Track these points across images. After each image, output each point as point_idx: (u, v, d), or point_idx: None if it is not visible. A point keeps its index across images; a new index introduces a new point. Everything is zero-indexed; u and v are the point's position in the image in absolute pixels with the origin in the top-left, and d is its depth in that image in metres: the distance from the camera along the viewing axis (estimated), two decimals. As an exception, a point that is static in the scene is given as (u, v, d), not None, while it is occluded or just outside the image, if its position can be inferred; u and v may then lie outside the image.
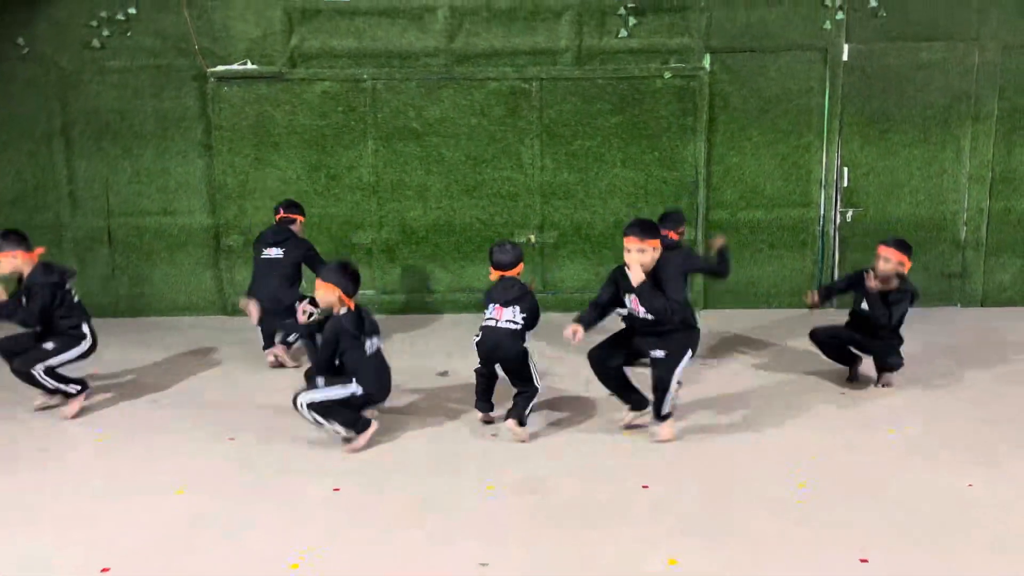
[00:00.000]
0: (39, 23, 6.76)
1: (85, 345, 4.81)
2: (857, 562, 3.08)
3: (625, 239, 4.16)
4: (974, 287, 7.22)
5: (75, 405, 4.76)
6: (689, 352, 4.24)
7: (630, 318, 4.31)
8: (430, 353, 5.97)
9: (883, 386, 5.06)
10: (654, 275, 4.15)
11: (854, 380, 5.18)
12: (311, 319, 4.50)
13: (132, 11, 6.75)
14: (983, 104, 6.95)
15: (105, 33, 6.78)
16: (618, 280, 4.31)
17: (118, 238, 7.09)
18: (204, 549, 3.23)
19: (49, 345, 4.70)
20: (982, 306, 7.21)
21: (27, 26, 6.76)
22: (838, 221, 7.14)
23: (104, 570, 3.08)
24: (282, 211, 5.79)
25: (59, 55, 6.81)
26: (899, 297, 4.91)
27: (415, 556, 3.17)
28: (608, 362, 4.36)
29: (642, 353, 4.33)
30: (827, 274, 7.18)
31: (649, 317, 4.16)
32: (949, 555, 3.13)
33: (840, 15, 6.84)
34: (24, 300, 4.61)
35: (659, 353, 4.19)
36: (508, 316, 4.40)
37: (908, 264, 4.99)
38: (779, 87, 6.99)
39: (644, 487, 3.73)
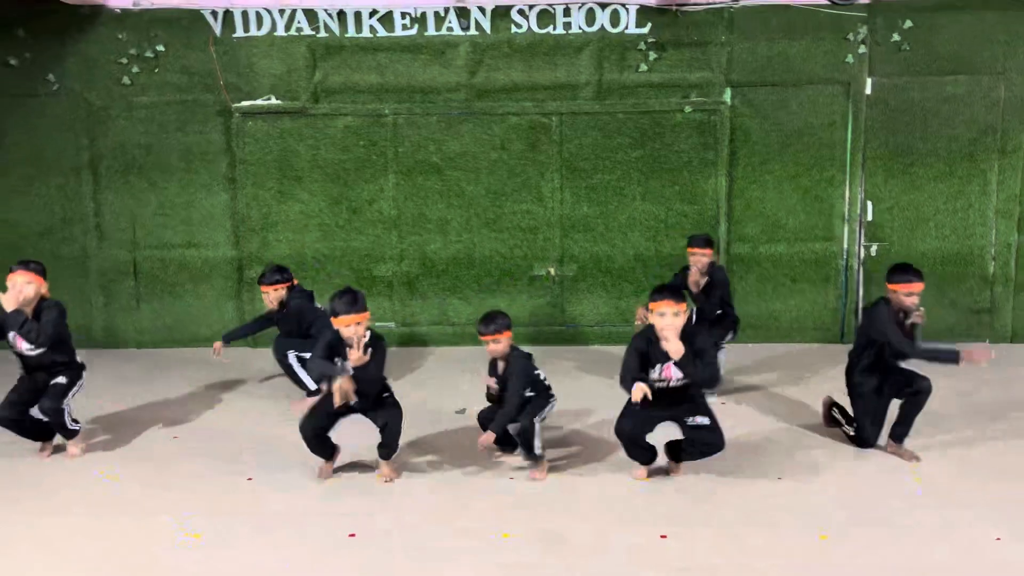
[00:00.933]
0: (70, 60, 6.92)
1: (84, 375, 4.82)
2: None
3: (660, 303, 3.98)
4: (1003, 323, 7.09)
5: (79, 444, 4.76)
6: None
7: (659, 388, 4.09)
8: (448, 388, 5.96)
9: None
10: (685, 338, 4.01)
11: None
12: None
13: (160, 48, 6.89)
14: (1010, 138, 6.86)
15: (134, 70, 6.92)
16: (646, 349, 4.08)
17: (143, 270, 7.19)
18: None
19: (63, 380, 4.67)
20: (1012, 342, 7.07)
21: (58, 63, 6.92)
22: (862, 255, 7.06)
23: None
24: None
25: (89, 91, 6.96)
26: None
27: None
28: (642, 439, 4.21)
29: (676, 420, 4.20)
30: (850, 309, 7.09)
31: (682, 382, 4.05)
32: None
33: (863, 49, 6.81)
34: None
35: (704, 420, 4.12)
36: None
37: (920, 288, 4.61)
38: (801, 121, 6.95)
39: (662, 536, 3.68)
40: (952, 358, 4.36)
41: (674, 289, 4.11)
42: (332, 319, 4.14)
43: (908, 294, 4.53)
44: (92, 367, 6.49)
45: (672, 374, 4.05)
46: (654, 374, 4.07)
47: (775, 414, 5.35)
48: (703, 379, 4.05)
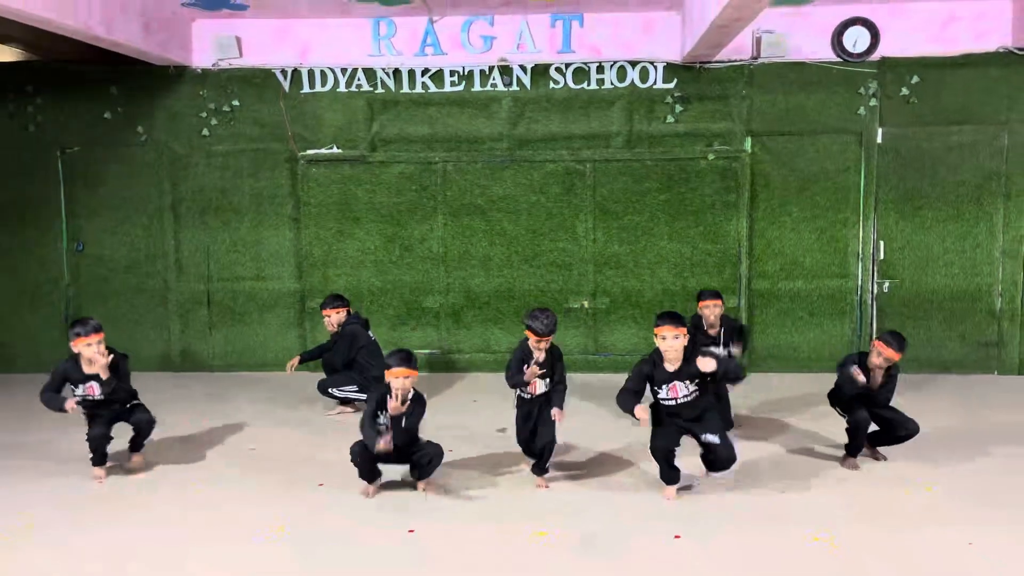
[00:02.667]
0: (157, 114, 7.79)
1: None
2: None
3: (663, 328, 4.50)
4: (1011, 356, 7.53)
5: (143, 456, 5.37)
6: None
7: (668, 406, 4.63)
8: (489, 410, 6.58)
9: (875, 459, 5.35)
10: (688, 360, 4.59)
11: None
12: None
13: (236, 103, 7.73)
14: (1014, 183, 7.36)
15: (213, 122, 7.76)
16: (651, 371, 4.61)
17: (215, 300, 7.98)
18: (302, 577, 3.89)
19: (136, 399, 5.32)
20: (1019, 374, 7.51)
21: (147, 117, 7.79)
22: (875, 292, 7.58)
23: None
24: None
25: (173, 141, 7.81)
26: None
27: (477, 589, 3.75)
28: (673, 455, 4.72)
29: (693, 435, 4.74)
30: (865, 341, 7.58)
31: (689, 399, 4.59)
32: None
33: (874, 102, 7.39)
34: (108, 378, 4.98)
35: (714, 439, 4.64)
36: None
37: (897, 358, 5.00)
38: (817, 167, 7.53)
39: (676, 537, 4.26)
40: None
41: (674, 314, 4.61)
42: (386, 372, 4.68)
43: (878, 354, 5.01)
44: (170, 387, 7.36)
45: (678, 392, 4.61)
46: (662, 393, 4.64)
47: (791, 437, 5.88)
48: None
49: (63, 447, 5.72)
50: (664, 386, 4.64)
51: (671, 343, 4.54)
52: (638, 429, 4.90)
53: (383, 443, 4.51)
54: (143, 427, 5.28)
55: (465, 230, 7.79)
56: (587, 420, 6.24)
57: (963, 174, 7.41)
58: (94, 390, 5.02)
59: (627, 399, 4.62)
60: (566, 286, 7.80)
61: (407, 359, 4.71)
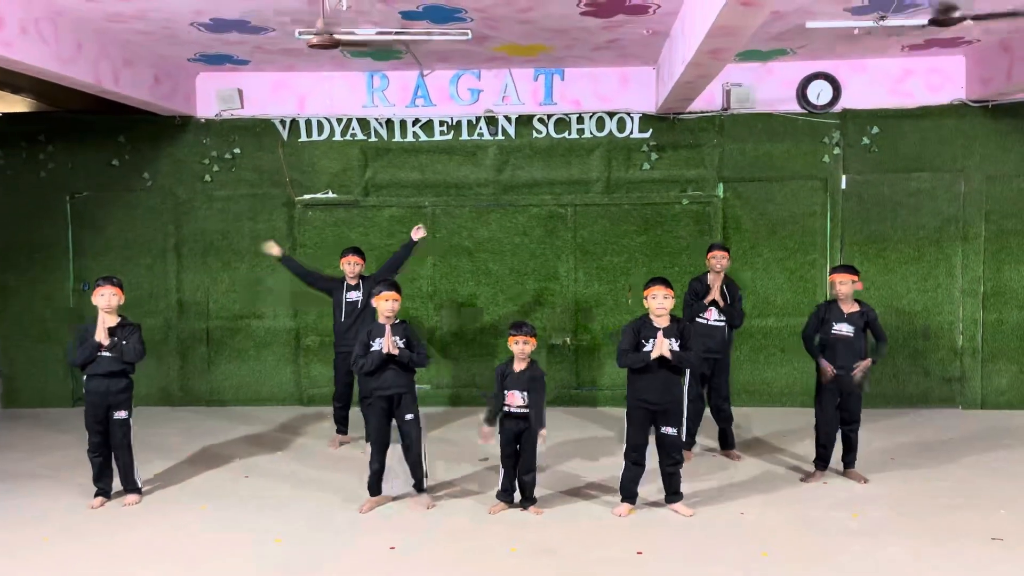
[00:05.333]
0: (162, 161, 8.23)
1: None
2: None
3: (652, 288, 5.00)
4: (974, 391, 7.88)
5: (137, 496, 5.53)
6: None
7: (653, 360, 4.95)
8: (473, 441, 6.90)
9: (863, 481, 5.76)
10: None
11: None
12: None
13: (237, 151, 8.18)
14: (971, 227, 7.79)
15: (215, 169, 8.20)
16: (639, 328, 5.04)
17: (215, 338, 8.33)
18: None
19: (123, 414, 5.41)
20: (982, 408, 7.85)
21: (152, 164, 8.23)
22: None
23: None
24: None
25: (176, 187, 8.25)
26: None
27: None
28: (643, 454, 5.14)
29: (655, 426, 5.11)
30: (834, 377, 7.92)
31: (669, 356, 4.92)
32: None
33: (837, 150, 7.85)
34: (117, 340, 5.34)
35: (671, 431, 5.06)
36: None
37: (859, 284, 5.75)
38: (785, 211, 7.96)
39: (639, 553, 4.58)
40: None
41: (666, 280, 5.08)
42: (373, 298, 5.33)
43: (839, 282, 5.70)
44: (170, 421, 7.67)
45: (666, 347, 4.94)
46: (647, 347, 4.99)
47: (763, 464, 6.21)
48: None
49: (68, 475, 6.03)
50: (651, 340, 5.00)
51: (661, 302, 5.00)
52: (617, 459, 5.25)
53: (387, 344, 5.12)
54: (122, 466, 5.51)
55: (453, 270, 8.19)
56: (571, 448, 6.58)
57: (923, 218, 7.84)
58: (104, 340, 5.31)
59: (632, 356, 5.01)
60: (549, 323, 8.17)
61: (393, 284, 5.34)
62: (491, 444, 5.31)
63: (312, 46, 5.17)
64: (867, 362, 5.63)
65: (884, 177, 7.86)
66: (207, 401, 8.33)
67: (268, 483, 5.93)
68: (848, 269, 5.78)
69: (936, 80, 7.77)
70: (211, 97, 8.15)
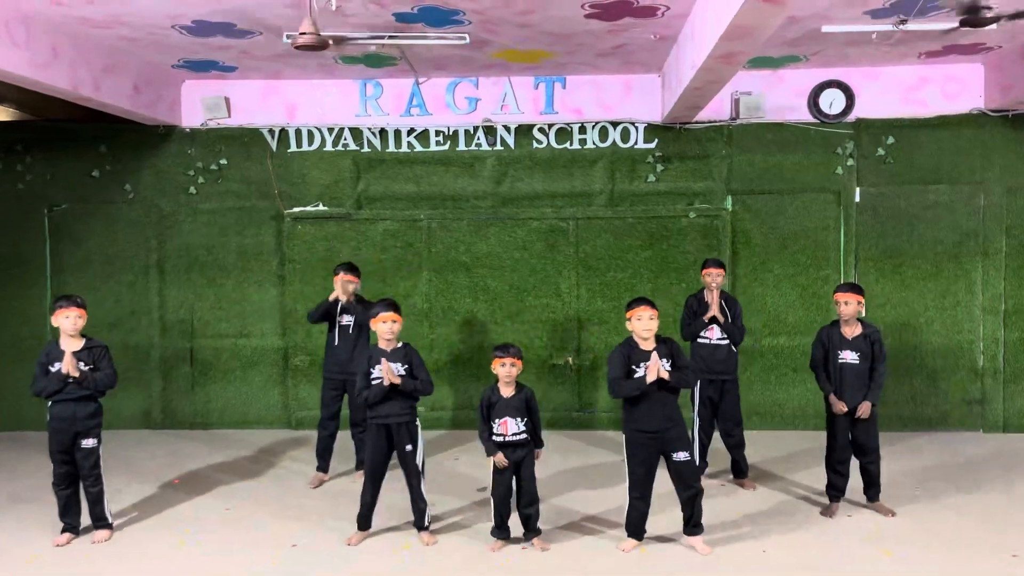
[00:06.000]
0: (144, 172, 7.87)
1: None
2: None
3: (637, 309, 4.68)
4: (995, 413, 7.51)
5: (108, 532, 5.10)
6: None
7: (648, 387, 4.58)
8: (472, 467, 6.52)
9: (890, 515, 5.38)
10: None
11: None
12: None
13: (223, 162, 7.82)
14: (991, 241, 7.45)
15: (200, 180, 7.84)
16: (629, 353, 4.69)
17: (199, 358, 7.94)
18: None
19: (91, 442, 4.96)
20: (1004, 431, 7.48)
21: (134, 175, 7.87)
22: (858, 348, 7.59)
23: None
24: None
25: (160, 199, 7.88)
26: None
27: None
28: (650, 487, 4.76)
29: (665, 455, 4.71)
30: (849, 398, 7.55)
31: (667, 378, 4.56)
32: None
33: (851, 161, 7.52)
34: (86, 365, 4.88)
35: (684, 456, 4.66)
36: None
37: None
38: (797, 225, 7.62)
39: (654, 600, 4.20)
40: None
41: (651, 300, 4.76)
42: (371, 320, 5.00)
43: (843, 302, 5.37)
44: (150, 445, 7.28)
45: (657, 369, 4.58)
46: (639, 372, 4.63)
47: (779, 494, 5.83)
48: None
49: (32, 508, 5.63)
50: (642, 364, 4.65)
51: (647, 324, 4.67)
52: (622, 488, 4.87)
53: (385, 374, 4.77)
54: (91, 498, 5.09)
55: (449, 286, 7.82)
56: (572, 477, 6.19)
57: (941, 232, 7.51)
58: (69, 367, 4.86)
59: (626, 384, 4.64)
60: (550, 342, 7.80)
61: (392, 304, 5.00)
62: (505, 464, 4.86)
63: (298, 47, 4.82)
64: (866, 406, 5.24)
65: (900, 189, 7.52)
66: (191, 424, 7.93)
67: (250, 513, 5.54)
68: (853, 288, 5.40)
69: (953, 88, 7.45)
70: (197, 106, 7.80)
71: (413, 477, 4.96)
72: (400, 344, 5.03)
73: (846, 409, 5.24)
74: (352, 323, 6.13)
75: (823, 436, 5.56)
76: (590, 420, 7.77)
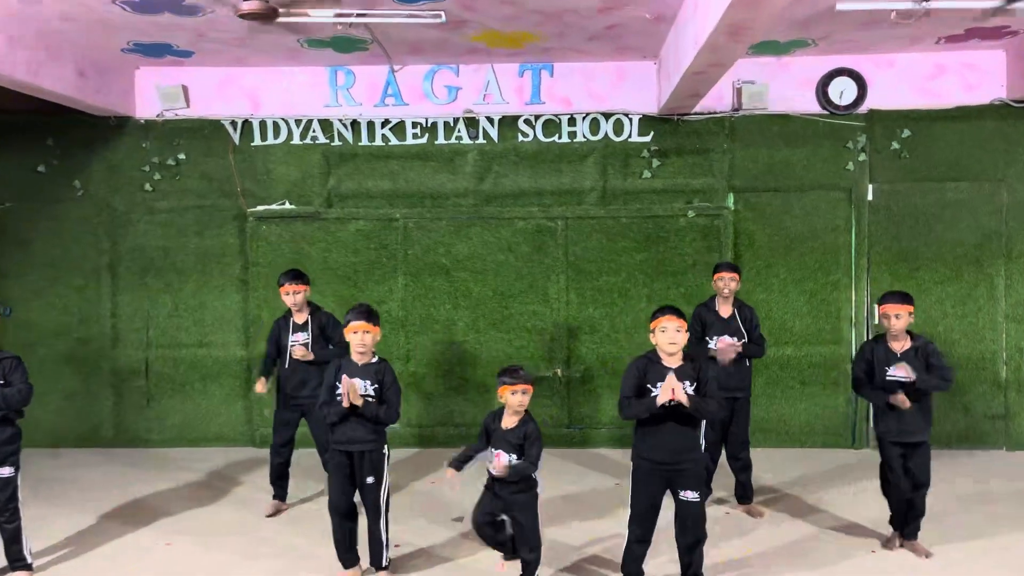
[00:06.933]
0: (95, 167, 7.23)
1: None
2: None
3: (662, 319, 4.00)
4: (1019, 429, 6.93)
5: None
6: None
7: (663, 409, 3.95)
8: (452, 492, 5.90)
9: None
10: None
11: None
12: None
13: (182, 156, 7.19)
14: (1015, 243, 6.88)
15: (156, 177, 7.21)
16: (645, 370, 4.05)
17: (154, 369, 7.29)
18: None
19: (7, 471, 4.33)
20: (1030, 449, 6.91)
21: (84, 170, 7.23)
22: (871, 359, 6.99)
23: None
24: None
25: (112, 197, 7.24)
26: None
27: None
28: (654, 518, 4.12)
29: (672, 492, 4.11)
30: (861, 413, 6.97)
31: (685, 402, 3.91)
32: None
33: (863, 156, 6.94)
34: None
35: (694, 496, 4.02)
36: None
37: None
38: (804, 225, 7.03)
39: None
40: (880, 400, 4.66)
41: (678, 309, 4.06)
42: (345, 328, 4.39)
43: (893, 315, 4.60)
44: (100, 465, 6.64)
45: (676, 392, 3.93)
46: (654, 391, 3.99)
47: (785, 520, 5.23)
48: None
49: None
50: (659, 384, 3.97)
51: (672, 336, 3.97)
52: (622, 516, 4.25)
53: (346, 392, 4.18)
54: (7, 536, 4.42)
55: (428, 291, 7.20)
56: (566, 507, 5.57)
57: (961, 233, 6.93)
58: None
59: (636, 404, 4.00)
60: (537, 352, 7.18)
61: (366, 312, 4.39)
62: (454, 489, 4.26)
63: (242, 15, 4.22)
64: (903, 369, 4.55)
65: (916, 187, 6.94)
66: (145, 441, 7.27)
67: (197, 550, 4.89)
68: (903, 298, 4.65)
69: (973, 77, 6.88)
70: (152, 95, 7.16)
71: (371, 512, 4.35)
72: (375, 359, 4.40)
73: (908, 404, 4.53)
74: (309, 341, 5.45)
75: (832, 455, 4.99)
76: (582, 438, 7.16)
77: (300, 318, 5.48)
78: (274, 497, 5.60)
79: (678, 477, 4.04)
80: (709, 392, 4.03)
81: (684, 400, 3.89)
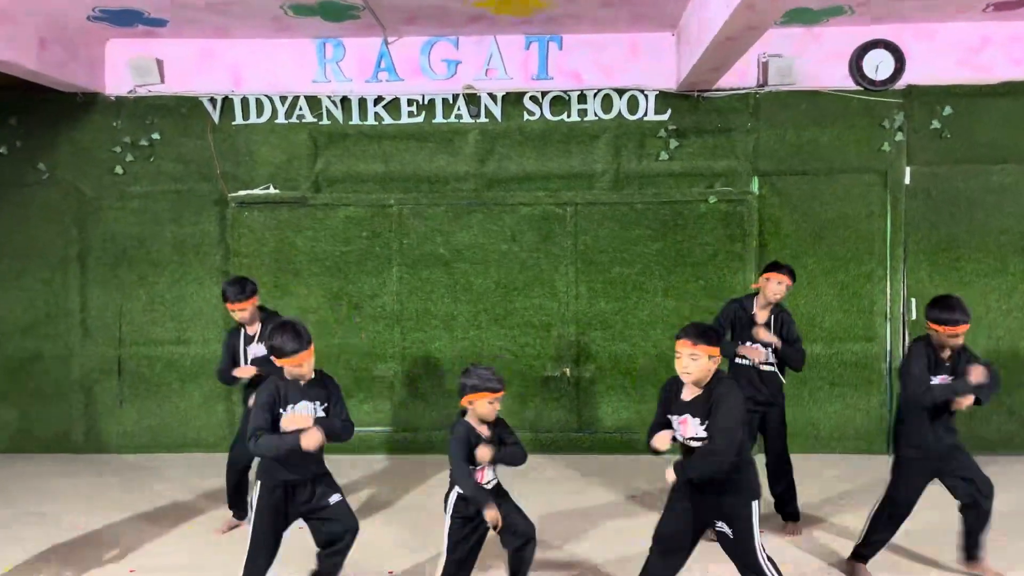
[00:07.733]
0: (62, 148, 6.67)
1: None
2: None
3: (678, 342, 3.49)
4: (1068, 434, 6.40)
5: None
6: (756, 504, 3.50)
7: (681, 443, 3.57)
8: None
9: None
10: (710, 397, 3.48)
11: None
12: None
13: (156, 136, 6.64)
14: (1066, 231, 6.34)
15: (128, 158, 6.66)
16: (668, 396, 3.62)
17: (128, 368, 6.74)
18: None
19: None
20: (1078, 456, 6.37)
21: (50, 151, 6.67)
22: (907, 357, 6.46)
23: None
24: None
25: (80, 180, 6.68)
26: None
27: None
28: (675, 548, 3.60)
29: (706, 523, 3.60)
30: (896, 416, 6.40)
31: (700, 444, 3.46)
32: None
33: (900, 136, 6.40)
34: None
35: (726, 529, 3.49)
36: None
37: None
38: (835, 212, 6.49)
39: None
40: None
41: (699, 328, 3.49)
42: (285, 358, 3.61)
43: (952, 336, 4.04)
44: (68, 474, 6.11)
45: (687, 431, 3.49)
46: (673, 425, 3.54)
47: (829, 538, 4.68)
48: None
49: None
50: (676, 418, 3.53)
51: (685, 363, 3.45)
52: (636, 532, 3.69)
53: (307, 438, 3.51)
54: None
55: (424, 284, 6.64)
56: (574, 521, 5.01)
57: (1006, 220, 6.39)
58: None
59: (650, 434, 3.61)
60: (544, 350, 6.63)
61: (292, 334, 3.60)
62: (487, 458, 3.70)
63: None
64: (979, 371, 4.05)
65: (958, 169, 6.40)
66: (118, 447, 6.72)
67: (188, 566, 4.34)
68: (962, 313, 4.07)
69: (1021, 50, 6.33)
70: (123, 69, 6.60)
71: (342, 540, 3.77)
72: (314, 374, 3.75)
73: (970, 400, 4.06)
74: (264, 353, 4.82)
75: (866, 461, 4.42)
76: (591, 443, 6.61)
77: (252, 329, 4.88)
78: (234, 516, 5.03)
79: (708, 510, 3.51)
80: (714, 431, 3.43)
81: (665, 446, 3.52)
